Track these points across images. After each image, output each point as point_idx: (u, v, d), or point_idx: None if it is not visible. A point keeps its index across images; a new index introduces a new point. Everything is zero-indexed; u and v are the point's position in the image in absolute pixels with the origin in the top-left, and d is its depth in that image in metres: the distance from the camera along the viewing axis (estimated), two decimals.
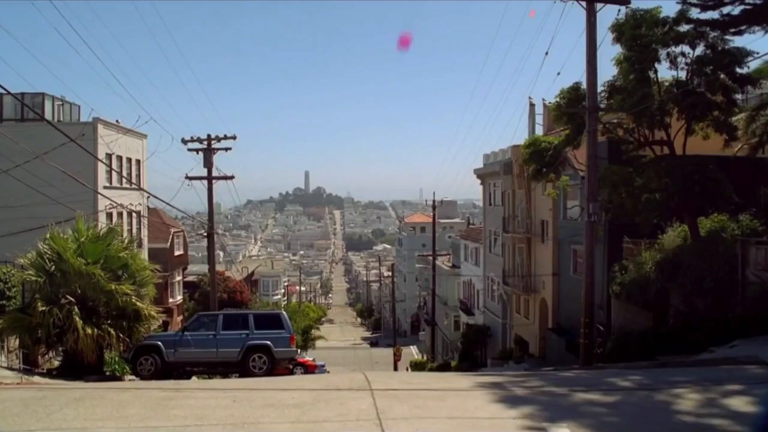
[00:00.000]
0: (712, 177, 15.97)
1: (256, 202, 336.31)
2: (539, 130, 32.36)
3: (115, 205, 26.82)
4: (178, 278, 42.25)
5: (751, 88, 17.38)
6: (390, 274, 72.36)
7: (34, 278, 15.40)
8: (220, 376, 18.09)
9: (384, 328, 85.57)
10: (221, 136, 26.88)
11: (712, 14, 16.10)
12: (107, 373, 16.96)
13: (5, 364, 15.63)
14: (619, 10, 16.60)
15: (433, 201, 46.50)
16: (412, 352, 60.16)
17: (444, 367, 38.44)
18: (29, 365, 16.17)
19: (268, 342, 17.26)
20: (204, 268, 46.79)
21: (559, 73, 18.87)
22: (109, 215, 29.27)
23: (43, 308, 14.70)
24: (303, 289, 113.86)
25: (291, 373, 20.82)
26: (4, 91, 15.87)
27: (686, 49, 16.54)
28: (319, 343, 58.35)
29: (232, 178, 27.73)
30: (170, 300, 38.86)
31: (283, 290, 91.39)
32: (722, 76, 16.44)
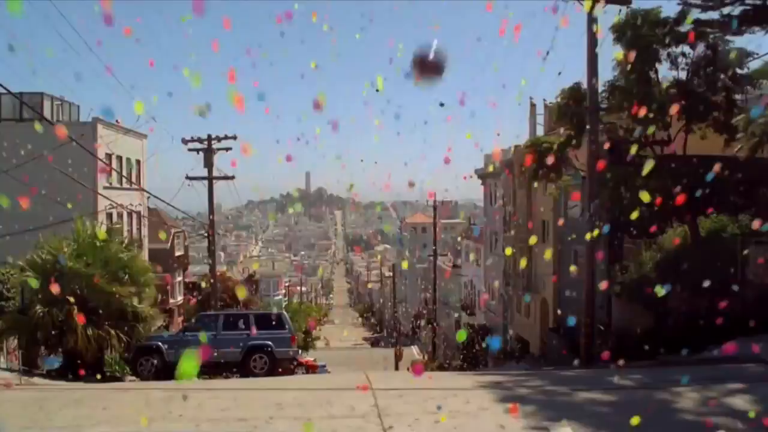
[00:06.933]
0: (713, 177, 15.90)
1: (257, 202, 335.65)
2: (540, 131, 32.29)
3: (115, 205, 26.81)
4: (179, 279, 42.24)
5: (751, 88, 17.35)
6: (391, 274, 72.30)
7: (32, 279, 15.36)
8: (221, 377, 18.06)
9: (385, 328, 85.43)
10: (221, 136, 26.88)
11: (713, 14, 16.11)
12: (107, 374, 16.94)
13: (5, 365, 15.62)
14: (620, 10, 16.57)
15: (434, 201, 46.42)
16: (413, 352, 60.04)
17: (445, 367, 38.35)
18: (29, 366, 16.18)
19: (269, 342, 17.24)
20: (205, 268, 46.75)
21: (560, 73, 18.71)
22: (109, 215, 29.25)
23: (42, 309, 14.68)
24: (304, 289, 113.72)
25: (292, 373, 20.79)
26: (2, 91, 15.84)
27: (686, 49, 16.52)
28: (319, 343, 58.26)
29: (232, 178, 27.71)
30: (171, 300, 38.86)
31: (284, 291, 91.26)
32: (722, 76, 16.43)
